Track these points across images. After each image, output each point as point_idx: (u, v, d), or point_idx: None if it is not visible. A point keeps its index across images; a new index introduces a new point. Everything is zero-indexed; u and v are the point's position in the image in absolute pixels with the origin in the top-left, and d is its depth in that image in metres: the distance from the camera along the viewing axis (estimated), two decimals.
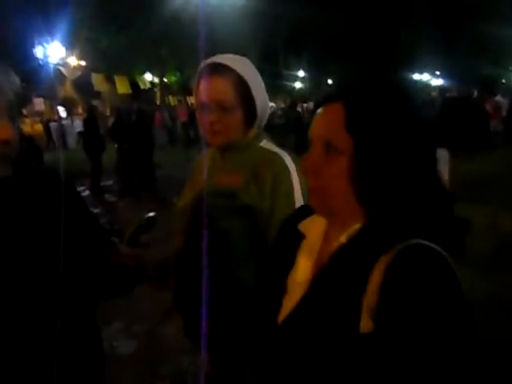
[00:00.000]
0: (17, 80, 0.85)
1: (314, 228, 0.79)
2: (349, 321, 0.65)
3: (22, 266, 0.85)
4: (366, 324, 0.63)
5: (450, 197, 0.74)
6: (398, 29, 17.98)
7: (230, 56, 1.20)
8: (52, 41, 15.74)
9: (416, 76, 29.17)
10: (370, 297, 0.63)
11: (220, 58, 1.18)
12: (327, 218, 0.77)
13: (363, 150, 0.68)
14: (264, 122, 1.25)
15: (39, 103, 22.41)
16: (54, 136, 14.09)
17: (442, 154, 5.33)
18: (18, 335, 0.85)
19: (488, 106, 11.08)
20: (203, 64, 1.19)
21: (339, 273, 0.69)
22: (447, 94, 12.90)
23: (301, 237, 0.80)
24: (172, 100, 22.38)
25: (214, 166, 1.24)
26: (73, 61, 18.84)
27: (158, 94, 20.12)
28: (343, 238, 0.72)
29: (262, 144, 1.23)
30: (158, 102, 19.45)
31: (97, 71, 17.86)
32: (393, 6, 16.70)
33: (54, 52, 16.02)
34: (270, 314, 0.78)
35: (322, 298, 0.70)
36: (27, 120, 22.02)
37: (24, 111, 23.11)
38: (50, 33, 15.20)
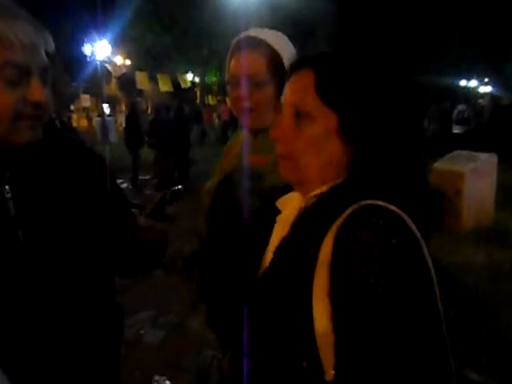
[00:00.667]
0: (51, 42, 0.81)
1: (290, 203, 0.79)
2: (301, 300, 0.61)
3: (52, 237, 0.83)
4: (319, 308, 0.59)
5: (422, 162, 0.71)
6: (447, 35, 17.41)
7: (265, 29, 1.15)
8: (100, 39, 16.35)
9: (463, 82, 28.14)
10: (321, 270, 0.60)
11: (252, 32, 1.13)
12: (297, 188, 0.77)
13: (343, 114, 0.68)
14: None
15: (86, 99, 23.41)
16: (98, 131, 14.58)
17: (491, 159, 5.09)
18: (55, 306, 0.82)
19: None
20: (235, 38, 1.14)
21: (295, 240, 0.68)
22: (496, 102, 12.31)
23: (278, 213, 0.80)
24: (211, 99, 22.68)
25: (245, 147, 1.18)
26: (118, 59, 19.51)
27: (198, 93, 20.43)
28: (303, 204, 0.72)
29: None
30: (197, 101, 19.74)
31: (140, 69, 18.38)
32: (441, 13, 16.17)
33: (101, 50, 16.62)
34: (246, 285, 0.78)
35: (278, 268, 0.69)
36: (74, 115, 23.09)
37: (71, 107, 24.29)
38: (97, 31, 15.79)
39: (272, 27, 1.20)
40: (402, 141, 0.69)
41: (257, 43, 1.10)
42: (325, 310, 0.58)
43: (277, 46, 1.11)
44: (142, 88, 19.58)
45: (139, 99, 21.32)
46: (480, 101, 20.30)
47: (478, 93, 29.42)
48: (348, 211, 0.62)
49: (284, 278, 0.66)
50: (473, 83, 30.34)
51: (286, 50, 1.13)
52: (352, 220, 0.60)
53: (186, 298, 3.22)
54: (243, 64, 1.10)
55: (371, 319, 0.54)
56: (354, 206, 0.62)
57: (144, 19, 15.44)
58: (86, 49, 17.39)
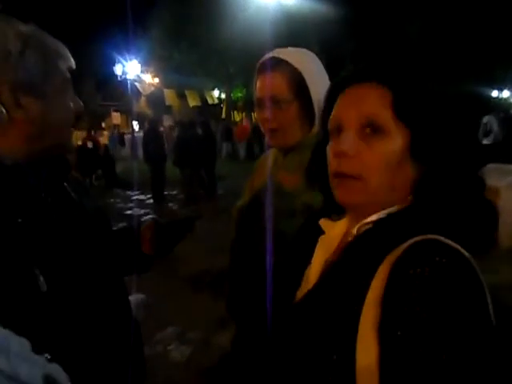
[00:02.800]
0: (71, 59, 0.83)
1: (335, 225, 0.73)
2: (345, 330, 0.57)
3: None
4: (364, 342, 0.55)
5: (482, 183, 0.65)
6: (480, 44, 17.07)
7: (288, 49, 1.15)
8: (130, 59, 16.96)
9: (495, 93, 27.42)
10: (372, 303, 0.56)
11: (276, 52, 1.14)
12: (353, 211, 0.69)
13: (418, 131, 0.63)
14: None
15: (116, 117, 24.22)
16: (127, 147, 15.02)
17: None
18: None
19: None
20: (261, 60, 1.15)
21: (345, 268, 0.63)
22: None
23: (321, 232, 0.75)
24: (237, 115, 22.96)
25: (275, 166, 1.19)
26: (147, 77, 20.12)
27: (224, 109, 20.74)
28: (355, 230, 0.66)
29: None
30: (223, 117, 20.04)
31: (168, 87, 18.87)
32: (473, 25, 15.89)
33: (131, 69, 17.22)
34: (286, 303, 0.74)
35: (324, 294, 0.64)
36: (105, 132, 23.88)
37: (103, 124, 25.17)
38: (128, 51, 16.39)
39: (297, 44, 1.21)
40: (467, 159, 0.65)
41: (278, 64, 1.11)
42: (371, 345, 0.54)
43: (298, 65, 1.11)
44: (171, 104, 20.09)
45: (167, 116, 21.83)
46: None
47: (511, 103, 28.54)
48: (406, 244, 0.57)
49: (329, 305, 0.62)
50: (505, 93, 29.52)
51: (310, 68, 1.13)
52: (411, 255, 0.55)
53: (213, 315, 3.22)
54: (266, 85, 1.12)
55: (429, 365, 0.49)
56: (414, 240, 0.57)
57: (172, 38, 15.91)
58: (117, 68, 18.04)
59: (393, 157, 0.62)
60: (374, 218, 0.64)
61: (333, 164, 0.66)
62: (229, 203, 1.32)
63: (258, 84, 1.15)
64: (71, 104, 0.80)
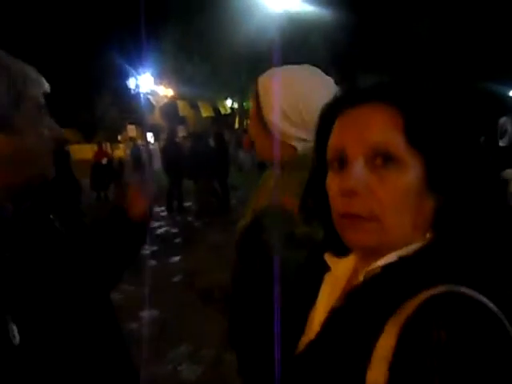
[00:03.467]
0: (44, 84, 0.77)
1: (340, 261, 0.65)
2: None
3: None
4: None
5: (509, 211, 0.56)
6: (496, 44, 16.75)
7: (274, 69, 1.14)
8: (143, 72, 17.21)
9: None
10: (378, 363, 0.47)
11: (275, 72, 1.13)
12: (365, 253, 0.60)
13: (435, 158, 0.54)
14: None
15: (132, 130, 24.56)
16: (143, 159, 15.16)
17: None
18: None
19: None
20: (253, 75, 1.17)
21: (349, 318, 0.55)
22: None
23: (327, 268, 0.67)
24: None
25: (278, 185, 1.12)
26: (161, 90, 20.37)
27: (237, 119, 20.80)
28: (361, 276, 0.57)
29: None
30: (236, 126, 20.11)
31: (181, 98, 19.05)
32: (490, 22, 15.60)
33: (144, 82, 17.47)
34: (289, 348, 0.68)
35: (326, 348, 0.57)
36: (121, 145, 24.24)
37: (119, 137, 25.54)
38: (141, 65, 16.66)
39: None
40: (490, 186, 0.56)
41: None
42: None
43: (260, 86, 1.12)
44: (185, 115, 20.26)
45: (181, 127, 22.04)
46: None
47: None
48: (420, 298, 0.48)
49: (332, 359, 0.55)
50: None
51: (266, 84, 1.12)
52: (426, 313, 0.46)
53: (224, 330, 3.14)
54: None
55: None
56: (430, 293, 0.48)
57: (184, 51, 16.10)
58: (131, 82, 18.33)
59: (410, 190, 0.53)
60: (383, 261, 0.55)
61: (339, 203, 0.57)
62: (239, 216, 1.27)
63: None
64: (46, 131, 0.74)
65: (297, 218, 0.99)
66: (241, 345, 1.13)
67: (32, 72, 0.73)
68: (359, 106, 0.58)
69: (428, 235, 0.55)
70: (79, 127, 21.55)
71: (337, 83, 1.12)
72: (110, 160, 10.55)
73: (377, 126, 0.55)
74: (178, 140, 9.31)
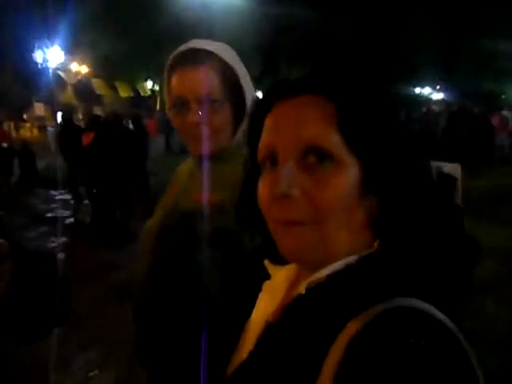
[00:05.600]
0: None
1: (281, 268, 0.59)
2: None
3: None
4: None
5: (458, 211, 0.56)
6: (401, 41, 18.06)
7: (209, 41, 0.96)
8: (51, 45, 15.63)
9: (417, 90, 29.25)
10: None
11: (197, 43, 0.94)
12: (302, 263, 0.54)
13: (372, 161, 0.49)
14: None
15: (40, 108, 22.37)
16: (51, 141, 13.87)
17: (456, 170, 5.11)
18: None
19: (494, 121, 11.12)
20: (176, 52, 0.95)
21: (284, 338, 0.49)
22: (452, 108, 12.92)
23: (266, 274, 0.61)
24: None
25: (191, 181, 0.99)
26: (74, 66, 18.76)
27: (159, 101, 20.00)
28: (303, 288, 0.51)
29: None
30: (157, 108, 19.32)
31: (97, 77, 17.75)
32: (396, 19, 16.75)
33: (53, 57, 15.88)
34: (220, 361, 0.61)
35: (260, 369, 0.50)
36: (27, 125, 21.99)
37: (24, 116, 23.14)
38: (49, 37, 15.09)
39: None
40: (429, 184, 0.52)
41: (205, 56, 0.92)
42: None
43: (230, 61, 0.94)
44: (102, 93, 18.91)
45: (97, 107, 20.63)
46: (433, 107, 21.16)
47: (431, 99, 30.72)
48: (371, 312, 0.43)
49: (267, 382, 0.48)
50: (426, 90, 31.65)
51: (239, 64, 0.96)
52: (375, 334, 0.41)
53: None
54: (192, 82, 0.92)
55: None
56: (378, 308, 0.43)
57: (99, 23, 14.88)
58: (37, 55, 16.57)
59: (349, 191, 0.48)
60: (327, 271, 0.49)
61: (272, 209, 0.50)
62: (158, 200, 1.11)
63: (177, 81, 0.95)
64: None
65: (210, 213, 0.90)
66: (152, 360, 0.98)
67: None
68: (290, 99, 0.51)
69: (376, 243, 0.50)
70: None
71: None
72: (10, 140, 9.42)
73: (309, 121, 0.49)
74: (74, 120, 8.33)
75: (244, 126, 0.97)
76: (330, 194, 0.47)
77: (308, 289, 0.50)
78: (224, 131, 0.95)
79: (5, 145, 8.99)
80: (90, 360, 2.71)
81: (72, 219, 6.40)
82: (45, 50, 16.07)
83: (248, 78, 0.97)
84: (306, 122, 0.49)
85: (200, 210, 0.91)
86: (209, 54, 0.92)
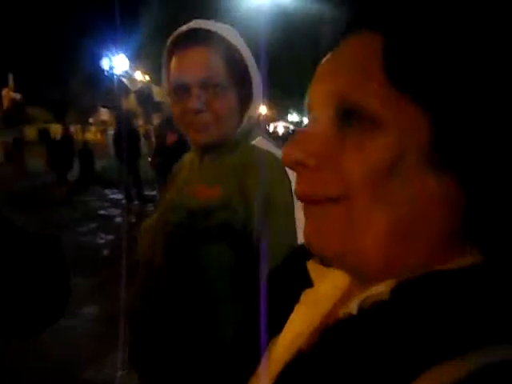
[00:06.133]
0: None
1: (327, 273, 0.42)
2: None
3: None
4: None
5: None
6: None
7: (211, 21, 0.87)
8: (117, 53, 16.59)
9: None
10: None
11: (198, 23, 0.85)
12: (350, 272, 0.39)
13: (444, 110, 0.30)
14: (258, 112, 0.90)
15: (104, 113, 23.82)
16: (110, 144, 14.63)
17: None
18: None
19: None
20: (176, 33, 0.86)
21: (319, 377, 0.34)
22: None
23: (308, 280, 0.44)
24: None
25: (191, 174, 0.91)
26: (138, 75, 19.78)
27: None
28: (353, 306, 0.35)
29: (255, 141, 0.88)
30: None
31: (158, 84, 18.57)
32: None
33: (119, 64, 16.84)
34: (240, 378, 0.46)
35: None
36: (92, 128, 23.45)
37: (90, 120, 24.71)
38: (115, 45, 16.05)
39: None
40: None
41: (207, 37, 0.83)
42: None
43: (235, 42, 0.84)
44: (161, 100, 19.71)
45: (157, 114, 21.56)
46: None
47: None
48: (460, 366, 0.27)
49: None
50: None
51: (245, 47, 0.86)
52: None
53: None
54: (193, 65, 0.83)
55: None
56: (474, 359, 0.27)
57: (163, 36, 15.67)
58: (105, 62, 17.65)
59: (393, 166, 0.32)
60: (390, 284, 0.33)
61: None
62: None
63: (176, 63, 0.86)
64: None
65: (213, 208, 0.80)
66: (146, 367, 0.88)
67: None
68: (345, 40, 0.36)
69: (468, 249, 0.32)
70: (48, 106, 20.66)
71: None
72: (70, 139, 10.08)
73: (344, 71, 0.34)
74: (134, 126, 8.88)
75: (251, 112, 0.87)
76: (363, 166, 0.33)
77: (361, 308, 0.34)
78: (228, 119, 0.85)
79: (58, 137, 9.66)
80: (119, 359, 2.68)
81: (121, 218, 6.60)
82: (111, 58, 17.10)
83: (253, 61, 0.87)
84: (342, 73, 0.35)
85: (201, 206, 0.82)
86: (211, 34, 0.83)
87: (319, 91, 0.36)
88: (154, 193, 8.23)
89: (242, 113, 0.87)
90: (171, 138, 5.54)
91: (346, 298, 0.40)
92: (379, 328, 0.32)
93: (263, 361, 0.45)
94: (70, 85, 21.21)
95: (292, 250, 0.51)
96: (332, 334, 0.36)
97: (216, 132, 0.85)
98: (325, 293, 0.42)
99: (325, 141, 0.35)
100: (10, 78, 17.36)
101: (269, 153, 0.83)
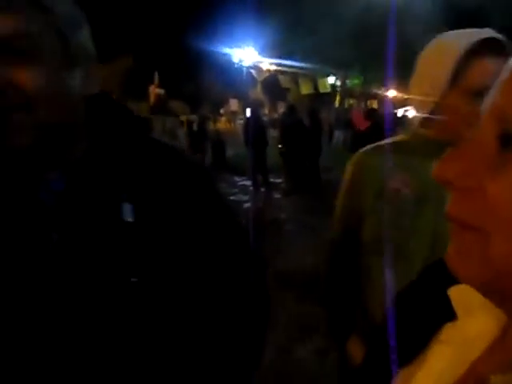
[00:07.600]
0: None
1: (477, 306, 0.35)
2: None
3: None
4: None
5: None
6: None
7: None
8: (247, 46, 17.34)
9: None
10: None
11: (493, 33, 0.94)
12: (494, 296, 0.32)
13: None
14: None
15: (234, 104, 25.19)
16: (240, 133, 15.51)
17: None
18: None
19: None
20: (474, 38, 0.93)
21: None
22: None
23: (449, 309, 0.37)
24: (353, 103, 22.08)
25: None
26: (264, 65, 20.42)
27: (338, 97, 20.05)
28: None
29: None
30: (336, 105, 19.43)
31: (283, 73, 18.92)
32: None
33: (248, 56, 17.60)
34: None
35: None
36: (223, 118, 25.04)
37: (221, 110, 26.39)
38: (245, 38, 16.78)
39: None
40: None
41: (502, 48, 0.92)
42: None
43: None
44: (287, 87, 20.07)
45: (282, 103, 22.04)
46: None
47: None
48: None
49: None
50: None
51: None
52: None
53: (296, 321, 3.01)
54: (489, 72, 0.92)
55: None
56: None
57: (288, 23, 15.81)
58: (235, 55, 18.63)
59: None
60: None
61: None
62: (329, 198, 1.11)
63: (479, 70, 0.94)
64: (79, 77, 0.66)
65: None
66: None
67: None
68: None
69: None
70: (186, 99, 22.70)
71: None
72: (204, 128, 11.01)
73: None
74: (261, 115, 9.29)
75: None
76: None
77: None
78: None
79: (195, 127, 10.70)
80: None
81: (249, 204, 7.00)
82: (241, 50, 17.97)
83: None
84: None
85: None
86: (500, 46, 0.92)
87: (487, 104, 0.31)
88: (278, 180, 8.53)
89: None
90: (364, 124, 5.83)
91: (499, 342, 0.34)
92: None
93: None
94: (204, 79, 22.95)
95: (427, 268, 0.45)
96: None
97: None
98: (476, 333, 0.35)
99: (481, 164, 0.30)
100: (156, 75, 19.52)
101: None
